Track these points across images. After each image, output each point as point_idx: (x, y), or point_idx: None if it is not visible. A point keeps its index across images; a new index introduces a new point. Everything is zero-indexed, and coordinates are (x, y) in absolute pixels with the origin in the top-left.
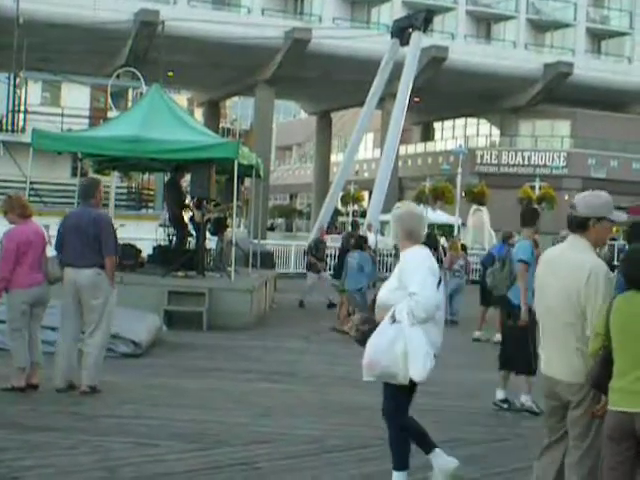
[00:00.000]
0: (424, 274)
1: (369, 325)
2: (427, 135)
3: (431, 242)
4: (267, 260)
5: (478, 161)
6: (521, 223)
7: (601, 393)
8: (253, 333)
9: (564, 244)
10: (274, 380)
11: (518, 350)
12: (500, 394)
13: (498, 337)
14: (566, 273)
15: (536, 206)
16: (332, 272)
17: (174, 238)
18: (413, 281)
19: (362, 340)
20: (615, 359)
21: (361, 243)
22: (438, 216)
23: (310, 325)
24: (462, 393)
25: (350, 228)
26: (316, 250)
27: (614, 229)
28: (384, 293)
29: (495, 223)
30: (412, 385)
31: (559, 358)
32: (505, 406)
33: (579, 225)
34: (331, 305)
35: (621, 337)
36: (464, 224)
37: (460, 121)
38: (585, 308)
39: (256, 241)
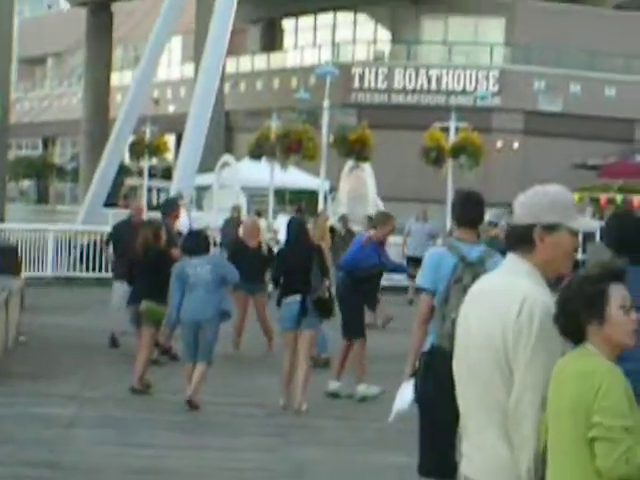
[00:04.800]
0: None
1: None
2: (272, 41)
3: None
4: (8, 258)
5: (356, 85)
6: (456, 219)
7: None
8: None
9: (498, 270)
10: (29, 477)
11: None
12: None
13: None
14: (490, 310)
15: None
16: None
17: None
18: None
19: None
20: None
21: None
22: (293, 178)
23: (83, 373)
24: None
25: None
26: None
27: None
28: None
29: (385, 189)
30: None
31: (480, 447)
32: None
33: (519, 238)
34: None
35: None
36: (333, 190)
37: (325, 17)
38: (513, 360)
39: None
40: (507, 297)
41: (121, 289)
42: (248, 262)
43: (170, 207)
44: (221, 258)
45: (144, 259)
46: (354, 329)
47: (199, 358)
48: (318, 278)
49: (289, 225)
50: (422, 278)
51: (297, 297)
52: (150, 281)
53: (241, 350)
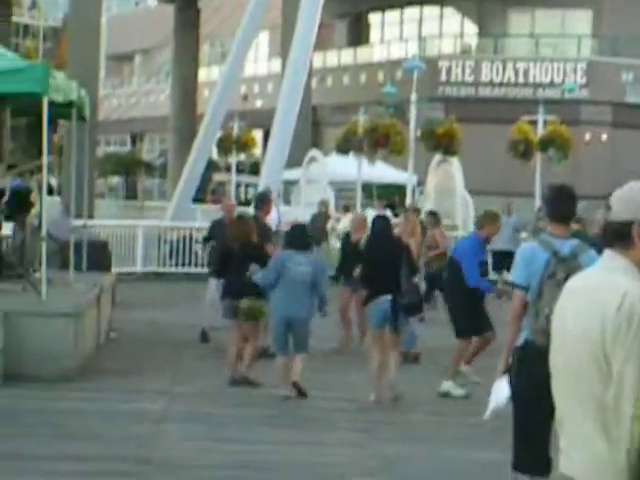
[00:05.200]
0: None
1: None
2: (358, 36)
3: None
4: (99, 255)
5: (443, 79)
6: (548, 214)
7: None
8: (79, 387)
9: (596, 265)
10: (119, 473)
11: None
12: None
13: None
14: (588, 303)
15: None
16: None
17: None
18: None
19: None
20: None
21: None
22: (380, 172)
23: (173, 369)
24: None
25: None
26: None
27: None
28: None
29: (473, 183)
30: None
31: (579, 446)
32: None
33: (616, 234)
34: (206, 335)
35: None
36: (421, 184)
37: (412, 11)
38: (611, 353)
39: (81, 222)
40: (607, 291)
41: (214, 283)
42: (350, 257)
43: (262, 201)
44: (323, 266)
45: (240, 253)
46: (463, 329)
47: (297, 351)
48: (407, 279)
49: (374, 224)
50: (515, 273)
51: (388, 297)
52: (245, 275)
53: (340, 344)
